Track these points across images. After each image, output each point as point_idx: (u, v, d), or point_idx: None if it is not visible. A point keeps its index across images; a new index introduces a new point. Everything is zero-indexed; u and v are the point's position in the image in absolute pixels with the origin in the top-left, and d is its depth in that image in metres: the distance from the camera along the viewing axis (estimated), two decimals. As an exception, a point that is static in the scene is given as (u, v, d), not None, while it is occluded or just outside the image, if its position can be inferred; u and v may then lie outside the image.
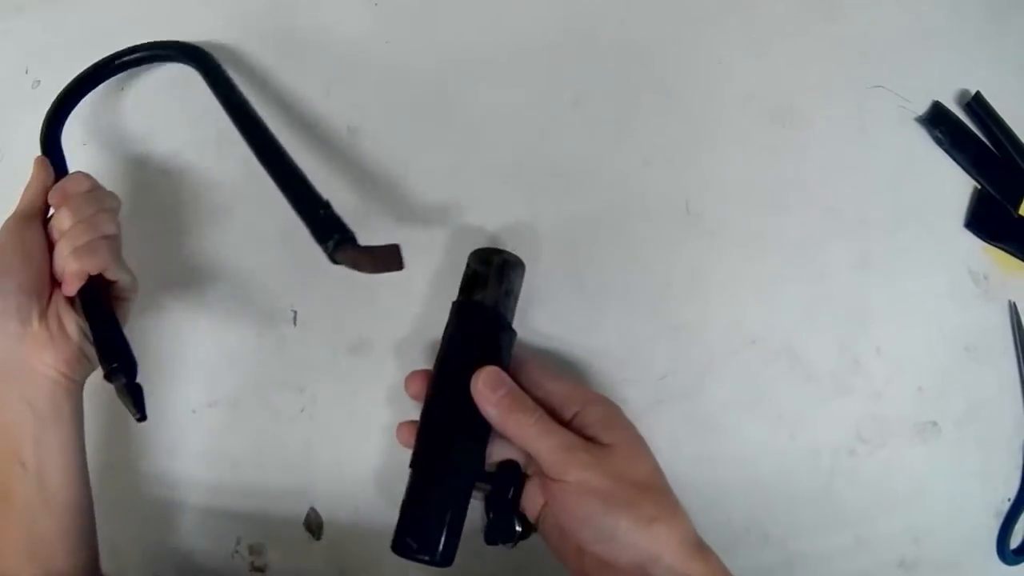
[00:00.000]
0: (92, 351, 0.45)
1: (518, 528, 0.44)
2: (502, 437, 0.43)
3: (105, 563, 0.48)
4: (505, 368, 0.44)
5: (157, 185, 0.57)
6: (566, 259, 0.53)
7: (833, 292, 0.54)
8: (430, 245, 0.53)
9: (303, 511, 0.51)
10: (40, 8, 0.61)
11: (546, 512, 0.44)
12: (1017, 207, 0.57)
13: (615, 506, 0.39)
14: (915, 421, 0.53)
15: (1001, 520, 0.53)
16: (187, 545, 0.54)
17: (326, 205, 0.45)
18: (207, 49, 0.56)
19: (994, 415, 0.54)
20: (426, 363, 0.50)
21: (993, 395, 0.55)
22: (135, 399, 0.42)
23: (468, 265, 0.48)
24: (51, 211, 0.47)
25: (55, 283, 0.46)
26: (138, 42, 0.56)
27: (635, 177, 0.55)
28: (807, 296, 0.53)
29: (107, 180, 0.50)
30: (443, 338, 0.47)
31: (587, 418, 0.43)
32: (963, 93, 0.58)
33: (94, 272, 0.45)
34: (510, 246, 0.52)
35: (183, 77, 0.56)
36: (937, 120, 0.57)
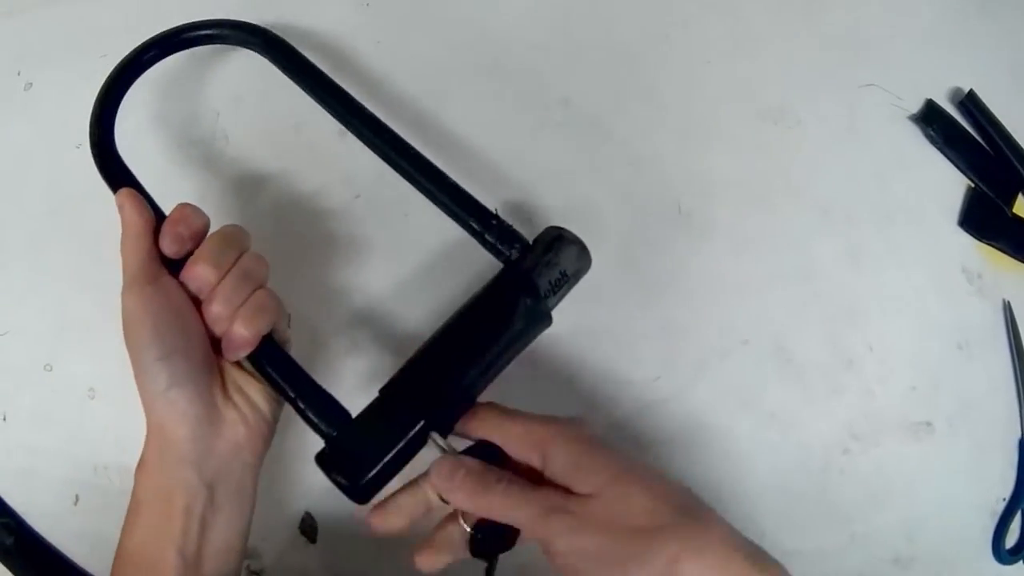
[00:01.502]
0: (280, 411, 0.42)
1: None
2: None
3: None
4: (517, 341, 0.42)
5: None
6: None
7: (825, 291, 0.54)
8: (417, 247, 0.53)
9: (298, 515, 0.51)
10: (32, 10, 0.61)
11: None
12: (1011, 205, 0.58)
13: (616, 564, 0.34)
14: (908, 419, 0.53)
15: (996, 518, 0.54)
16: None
17: (496, 215, 0.45)
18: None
19: (988, 413, 0.55)
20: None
21: (987, 393, 0.55)
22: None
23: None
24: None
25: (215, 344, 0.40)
26: (131, 46, 0.56)
27: (625, 178, 0.55)
28: (799, 295, 0.54)
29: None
30: None
31: (554, 466, 0.37)
32: (956, 91, 0.58)
33: (267, 331, 0.39)
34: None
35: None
36: (930, 118, 0.57)
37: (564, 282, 0.45)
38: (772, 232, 0.54)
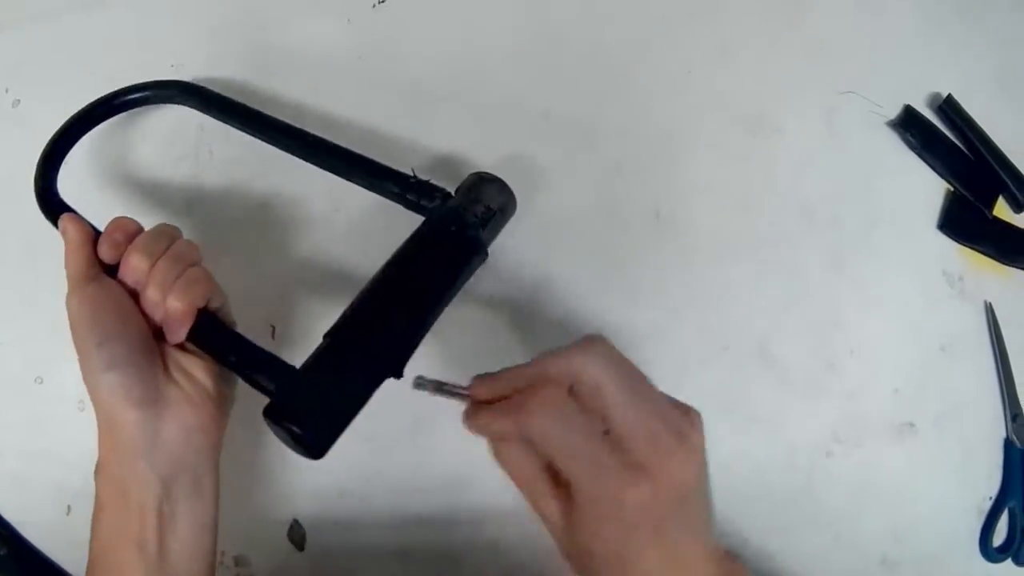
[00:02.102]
0: (231, 391, 0.42)
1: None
2: None
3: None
4: (454, 273, 0.42)
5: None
6: (537, 266, 0.54)
7: (806, 295, 0.54)
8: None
9: (286, 523, 0.52)
10: (20, 28, 0.62)
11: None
12: (991, 208, 0.58)
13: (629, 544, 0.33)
14: (892, 422, 0.53)
15: (983, 517, 0.54)
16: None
17: (413, 174, 0.46)
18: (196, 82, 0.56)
19: (972, 414, 0.55)
20: (405, 373, 0.51)
21: (970, 394, 0.55)
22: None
23: None
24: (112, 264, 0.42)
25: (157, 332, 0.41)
26: (117, 62, 0.57)
27: (605, 184, 0.55)
28: (780, 300, 0.54)
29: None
30: None
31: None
32: (934, 96, 0.59)
33: (202, 304, 0.40)
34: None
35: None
36: (908, 124, 0.57)
37: (491, 215, 0.45)
38: (752, 237, 0.55)
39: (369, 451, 0.52)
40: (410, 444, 0.52)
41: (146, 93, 0.55)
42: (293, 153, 0.51)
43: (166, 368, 0.40)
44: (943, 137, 0.58)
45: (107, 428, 0.39)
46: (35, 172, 0.49)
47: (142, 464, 0.38)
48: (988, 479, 0.54)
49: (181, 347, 0.41)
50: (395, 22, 0.59)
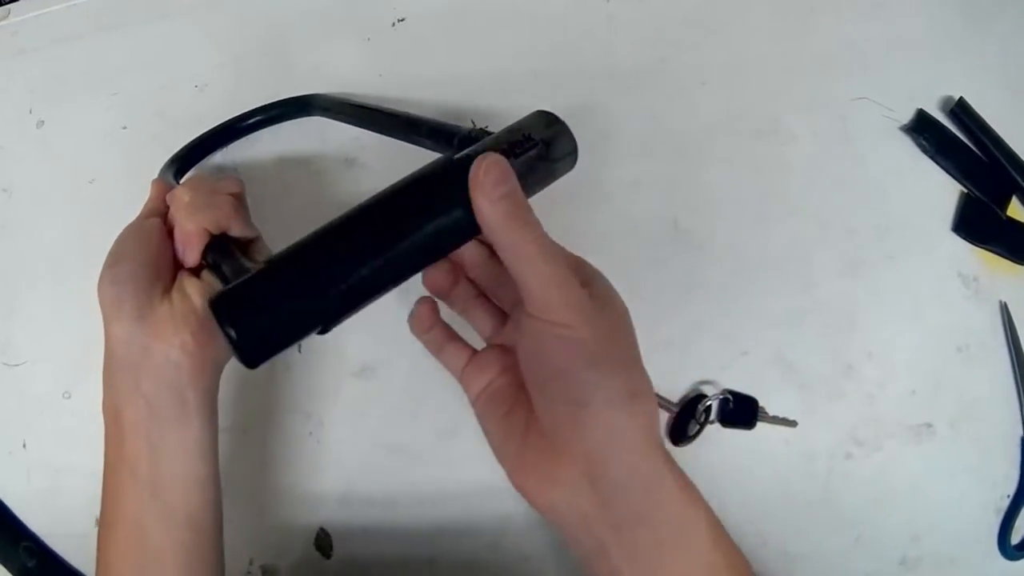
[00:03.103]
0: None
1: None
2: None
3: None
4: (452, 234, 0.36)
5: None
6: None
7: (823, 301, 0.54)
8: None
9: (312, 531, 0.52)
10: (43, 50, 0.62)
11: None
12: (1005, 209, 0.58)
13: (602, 363, 0.33)
14: (910, 423, 0.54)
15: (1001, 515, 0.54)
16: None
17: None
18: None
19: (989, 414, 0.55)
20: (429, 384, 0.52)
21: (987, 394, 0.55)
22: None
23: None
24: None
25: (179, 266, 0.42)
26: (140, 84, 0.57)
27: (624, 197, 0.56)
28: (797, 306, 0.54)
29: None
30: None
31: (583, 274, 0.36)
32: (947, 99, 0.59)
33: (214, 228, 0.41)
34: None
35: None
36: (921, 127, 0.57)
37: (530, 146, 0.37)
38: (768, 245, 0.55)
39: (395, 460, 0.52)
40: (435, 453, 0.52)
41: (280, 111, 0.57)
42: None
43: (168, 291, 0.40)
44: (956, 140, 0.58)
45: (106, 346, 0.40)
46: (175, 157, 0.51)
47: (130, 381, 0.39)
48: (1006, 478, 0.54)
49: (197, 273, 0.42)
50: (414, 40, 0.60)
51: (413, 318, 0.41)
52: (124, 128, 0.60)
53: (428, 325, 0.41)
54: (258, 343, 0.34)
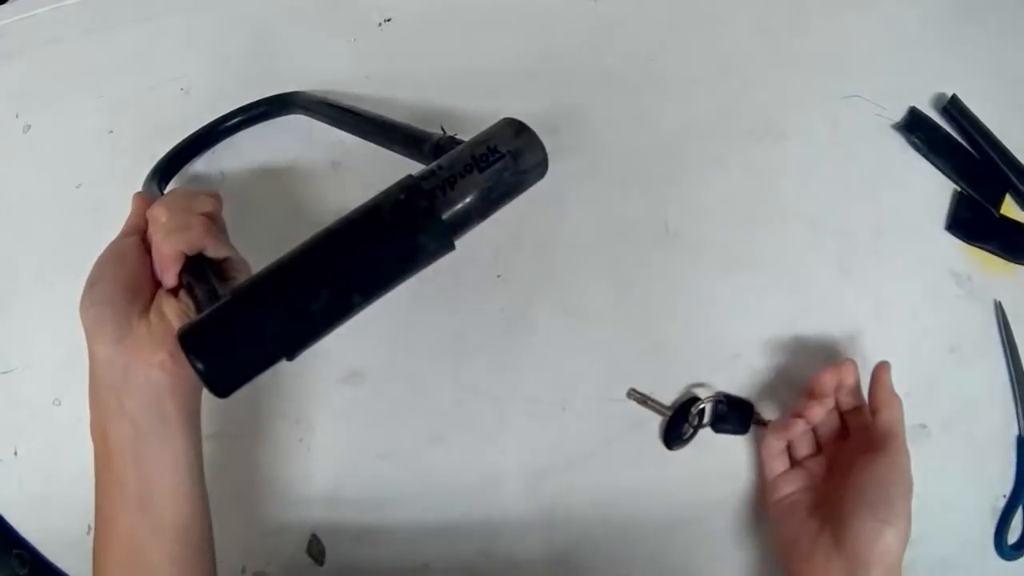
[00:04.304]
0: None
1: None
2: None
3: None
4: (413, 259, 0.36)
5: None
6: (547, 281, 0.54)
7: (816, 301, 0.54)
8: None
9: (305, 538, 0.52)
10: (28, 54, 0.62)
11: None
12: (998, 207, 0.58)
13: (908, 497, 0.44)
14: (904, 424, 0.53)
15: (997, 515, 0.54)
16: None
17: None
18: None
19: (983, 413, 0.55)
20: (418, 389, 0.52)
21: (981, 394, 0.55)
22: None
23: None
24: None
25: (158, 284, 0.43)
26: (126, 87, 0.57)
27: (613, 198, 0.55)
28: (789, 307, 0.54)
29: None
30: None
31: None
32: (939, 97, 0.59)
33: (189, 250, 0.42)
34: (495, 271, 0.53)
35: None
36: (914, 126, 0.57)
37: (495, 158, 0.37)
38: (760, 246, 0.55)
39: (387, 465, 0.52)
40: (427, 458, 0.52)
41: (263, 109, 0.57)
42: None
43: (146, 311, 0.41)
44: (949, 138, 0.58)
45: (89, 367, 0.41)
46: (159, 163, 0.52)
47: (114, 401, 0.40)
48: (1001, 477, 0.54)
49: (176, 294, 0.42)
50: (400, 41, 0.60)
51: (778, 427, 0.50)
52: (110, 132, 0.59)
53: (788, 436, 0.50)
54: (226, 375, 0.35)
